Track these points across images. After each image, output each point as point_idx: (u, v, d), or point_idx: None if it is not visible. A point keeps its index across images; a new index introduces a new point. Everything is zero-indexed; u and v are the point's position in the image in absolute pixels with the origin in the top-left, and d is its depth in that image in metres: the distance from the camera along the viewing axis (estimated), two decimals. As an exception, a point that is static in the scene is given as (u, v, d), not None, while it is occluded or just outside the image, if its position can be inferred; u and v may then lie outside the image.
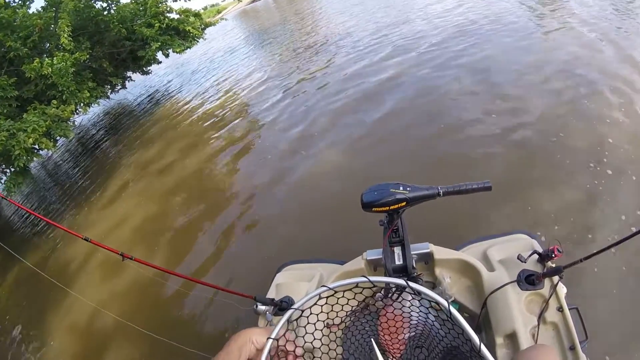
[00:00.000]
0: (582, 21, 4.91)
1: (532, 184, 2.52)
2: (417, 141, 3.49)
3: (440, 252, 1.18)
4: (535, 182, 2.52)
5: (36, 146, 5.16)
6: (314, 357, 0.79)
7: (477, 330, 1.04)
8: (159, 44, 7.45)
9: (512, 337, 0.93)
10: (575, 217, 2.18)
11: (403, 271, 1.07)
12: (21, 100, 5.97)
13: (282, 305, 1.14)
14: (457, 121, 3.54)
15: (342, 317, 0.86)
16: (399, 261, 1.08)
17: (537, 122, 3.13)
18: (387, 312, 0.87)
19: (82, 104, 6.33)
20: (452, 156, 3.10)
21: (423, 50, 5.64)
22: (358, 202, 1.07)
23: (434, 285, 1.19)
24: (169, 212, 4.16)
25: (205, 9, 9.80)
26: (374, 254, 1.22)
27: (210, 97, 7.92)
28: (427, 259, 1.20)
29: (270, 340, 0.58)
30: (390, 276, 1.05)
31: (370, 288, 0.62)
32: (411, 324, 0.89)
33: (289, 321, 0.61)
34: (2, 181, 6.30)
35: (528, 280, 1.00)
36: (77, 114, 7.59)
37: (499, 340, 0.95)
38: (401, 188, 1.03)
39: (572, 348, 0.88)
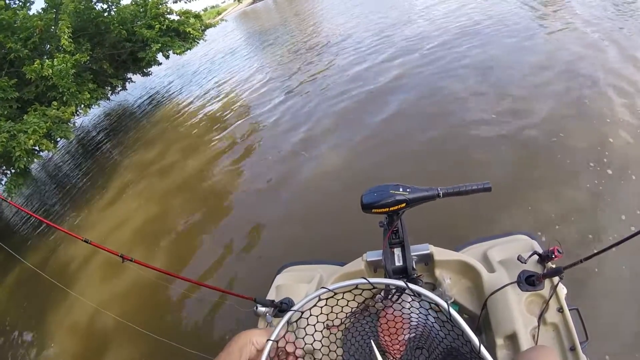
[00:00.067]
0: (585, 21, 4.90)
1: (532, 184, 2.52)
2: (418, 142, 3.48)
3: (440, 253, 1.18)
4: (535, 183, 2.52)
5: (37, 147, 5.17)
6: (314, 358, 0.79)
7: (477, 332, 1.04)
8: (159, 45, 7.46)
9: (512, 338, 0.93)
10: (575, 217, 2.18)
11: (403, 272, 1.07)
12: (22, 101, 5.98)
13: (282, 307, 1.14)
14: (458, 122, 3.54)
15: (342, 319, 0.86)
16: (399, 262, 1.08)
17: (537, 122, 3.13)
18: (387, 313, 0.87)
19: (82, 106, 6.33)
20: (452, 157, 3.10)
21: (426, 52, 5.63)
22: (358, 203, 1.07)
23: (434, 286, 1.19)
24: (169, 213, 4.17)
25: (205, 10, 9.76)
26: (374, 255, 1.22)
27: (211, 98, 7.93)
28: (427, 260, 1.20)
29: (270, 342, 0.58)
30: (390, 277, 1.04)
31: (370, 289, 0.62)
32: (411, 325, 0.90)
33: (288, 323, 0.61)
34: (3, 182, 6.31)
35: (528, 281, 1.00)
36: (78, 115, 7.59)
37: (499, 341, 0.94)
38: (401, 189, 1.03)
39: (573, 349, 0.88)
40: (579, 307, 1.01)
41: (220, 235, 3.38)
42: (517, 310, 0.96)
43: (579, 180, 2.41)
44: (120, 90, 9.87)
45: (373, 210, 1.05)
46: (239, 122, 5.86)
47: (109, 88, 8.79)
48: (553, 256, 0.98)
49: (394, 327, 0.85)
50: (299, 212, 3.22)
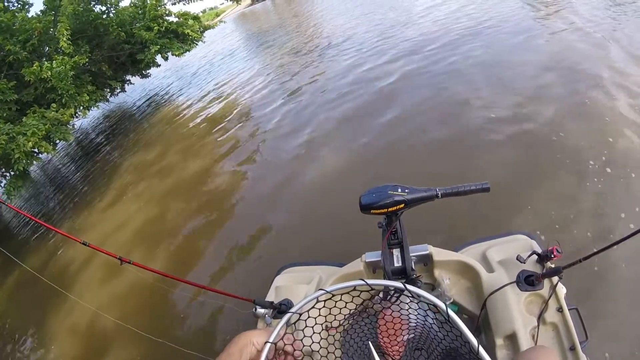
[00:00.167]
0: (588, 21, 4.91)
1: (531, 183, 2.52)
2: (417, 142, 3.49)
3: (439, 254, 1.18)
4: (534, 182, 2.52)
5: (36, 150, 5.16)
6: (312, 360, 0.79)
7: (476, 332, 1.04)
8: (158, 47, 7.46)
9: (511, 338, 0.93)
10: (574, 216, 2.18)
11: (402, 273, 1.06)
12: (21, 103, 5.98)
13: (280, 308, 1.14)
14: (458, 121, 3.55)
15: (340, 320, 0.86)
16: (398, 263, 1.07)
17: (537, 121, 3.13)
18: (385, 314, 0.87)
19: (81, 108, 6.33)
20: (451, 157, 3.10)
21: (427, 53, 5.61)
22: (357, 204, 1.07)
23: (433, 286, 1.19)
24: (169, 215, 4.16)
25: (204, 12, 9.76)
26: (373, 256, 1.22)
27: (210, 100, 7.93)
28: (426, 261, 1.20)
29: (269, 345, 0.58)
30: (389, 278, 1.04)
31: (368, 291, 0.62)
32: (410, 326, 0.89)
33: (287, 324, 0.61)
34: (2, 185, 6.31)
35: (527, 281, 1.00)
36: (77, 117, 7.60)
37: (499, 341, 0.94)
38: (399, 190, 1.03)
39: (572, 348, 0.88)
40: (579, 307, 1.01)
41: (220, 237, 3.37)
42: (517, 310, 0.95)
43: (579, 179, 2.41)
44: (119, 92, 9.86)
45: (372, 211, 1.05)
46: (239, 123, 5.86)
47: (108, 90, 8.79)
48: (552, 256, 0.98)
49: (393, 328, 0.85)
50: (298, 213, 3.22)
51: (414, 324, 0.87)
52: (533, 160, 2.74)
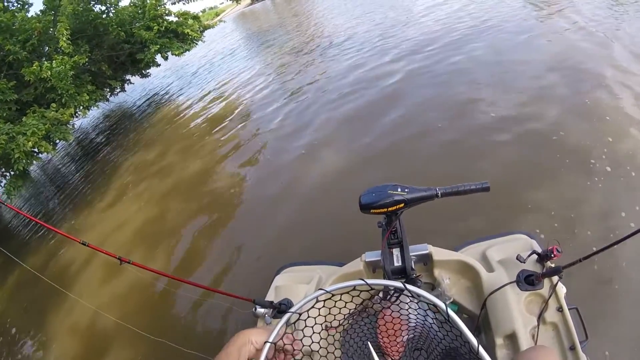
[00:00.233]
0: (590, 20, 4.89)
1: (531, 182, 2.51)
2: (418, 142, 3.48)
3: (439, 253, 1.18)
4: (535, 181, 2.52)
5: (36, 149, 5.16)
6: (312, 360, 0.79)
7: (476, 331, 1.03)
8: (158, 46, 7.45)
9: (511, 338, 0.93)
10: (575, 215, 2.18)
11: (402, 273, 1.06)
12: (20, 103, 5.98)
13: (280, 308, 1.14)
14: (458, 121, 3.54)
15: (340, 320, 0.86)
16: (397, 263, 1.07)
17: (538, 121, 3.13)
18: (385, 314, 0.87)
19: (81, 107, 6.33)
20: (451, 156, 3.10)
21: (428, 52, 5.60)
22: (357, 203, 1.07)
23: (433, 286, 1.19)
24: (168, 215, 4.16)
25: (203, 11, 9.74)
26: (373, 255, 1.22)
27: (211, 100, 7.92)
28: (426, 260, 1.20)
29: (268, 344, 0.57)
30: (389, 278, 1.04)
31: (368, 291, 0.62)
32: (410, 326, 0.89)
33: (287, 324, 0.61)
34: (2, 185, 6.31)
35: (527, 281, 1.00)
36: (77, 117, 7.59)
37: (499, 341, 0.94)
38: (399, 189, 1.03)
39: (572, 348, 0.88)
40: (579, 307, 1.01)
41: (220, 236, 3.37)
42: (517, 310, 0.95)
43: (579, 179, 2.41)
44: (119, 91, 9.86)
45: (371, 211, 1.05)
46: (240, 124, 5.85)
47: (108, 90, 8.79)
48: (552, 255, 0.97)
49: (393, 328, 0.85)
50: (298, 213, 3.22)
51: (414, 324, 0.87)
52: (533, 160, 2.73)
